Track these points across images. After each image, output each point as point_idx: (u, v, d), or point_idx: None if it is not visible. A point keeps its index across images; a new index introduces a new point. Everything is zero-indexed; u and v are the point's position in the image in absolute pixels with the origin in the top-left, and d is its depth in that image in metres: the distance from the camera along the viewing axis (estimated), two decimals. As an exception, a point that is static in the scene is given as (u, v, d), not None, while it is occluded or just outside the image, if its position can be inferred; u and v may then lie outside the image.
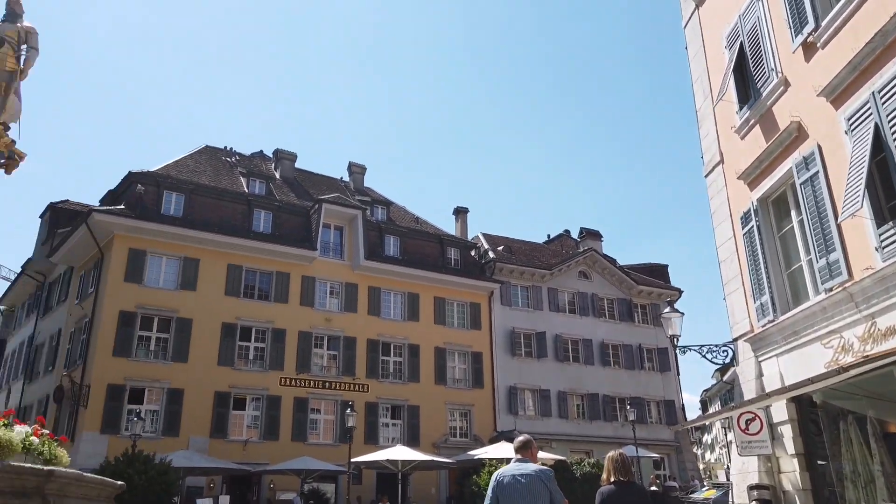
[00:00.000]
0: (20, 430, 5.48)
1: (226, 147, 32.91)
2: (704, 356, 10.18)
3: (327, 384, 27.08)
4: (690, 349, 10.45)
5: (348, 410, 20.50)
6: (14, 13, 6.94)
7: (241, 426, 25.24)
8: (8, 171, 6.59)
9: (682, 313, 11.04)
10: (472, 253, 33.86)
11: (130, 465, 18.16)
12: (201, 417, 24.22)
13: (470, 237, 36.18)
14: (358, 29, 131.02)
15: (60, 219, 28.97)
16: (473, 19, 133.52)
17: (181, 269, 25.61)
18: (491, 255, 33.37)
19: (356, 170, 35.62)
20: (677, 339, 10.87)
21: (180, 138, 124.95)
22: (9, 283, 34.53)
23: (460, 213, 37.37)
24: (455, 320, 31.05)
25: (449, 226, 36.36)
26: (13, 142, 6.52)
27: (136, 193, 25.63)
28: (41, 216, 31.23)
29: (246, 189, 29.54)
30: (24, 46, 6.84)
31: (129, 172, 26.30)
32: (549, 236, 40.16)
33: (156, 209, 25.89)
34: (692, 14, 12.09)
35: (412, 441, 26.64)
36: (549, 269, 33.53)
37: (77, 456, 21.05)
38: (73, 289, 27.72)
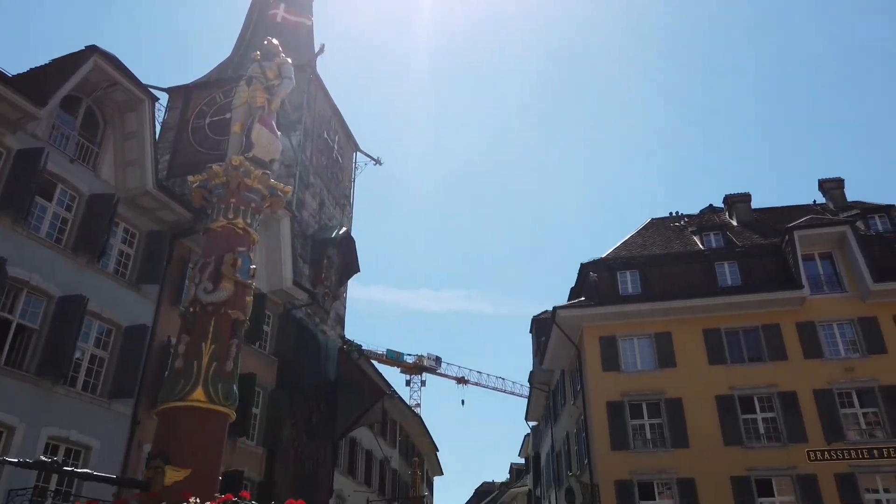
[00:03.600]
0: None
1: (671, 213, 31.06)
2: None
3: (875, 452, 20.62)
4: None
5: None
6: (270, 53, 7.10)
7: (775, 517, 20.76)
8: (273, 209, 6.49)
9: None
10: None
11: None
12: (724, 510, 20.81)
13: None
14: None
15: (542, 328, 30.86)
16: None
17: (654, 346, 23.82)
18: None
19: (830, 185, 29.12)
20: None
21: (627, 221, 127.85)
22: (526, 400, 38.00)
23: None
24: None
25: None
26: (266, 175, 6.35)
27: (591, 282, 25.54)
28: (530, 331, 33.99)
29: (701, 246, 26.73)
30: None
31: (581, 265, 26.59)
32: None
33: (614, 292, 25.22)
34: None
35: None
36: None
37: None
38: (568, 390, 28.50)
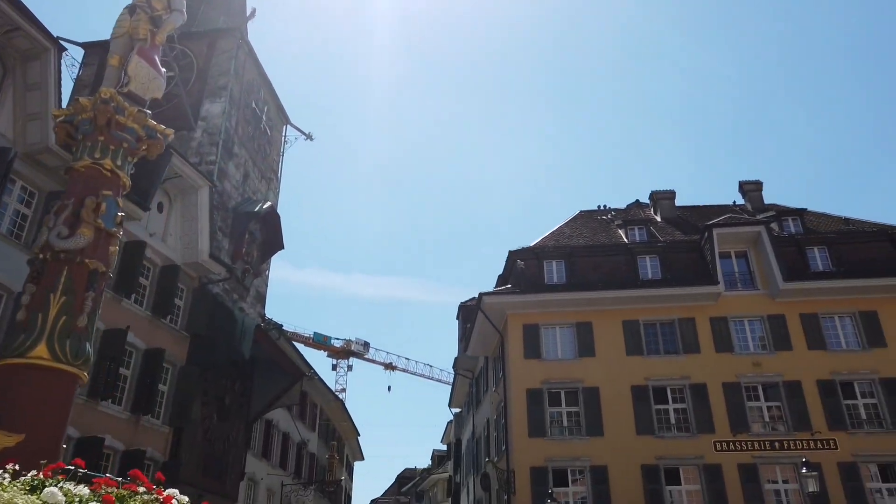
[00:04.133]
0: None
1: (599, 206, 31.54)
2: None
3: (776, 444, 21.53)
4: None
5: (804, 470, 15.21)
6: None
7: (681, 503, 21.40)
8: (151, 154, 5.93)
9: None
10: (945, 243, 24.63)
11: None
12: (633, 498, 21.28)
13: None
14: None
15: (469, 315, 30.78)
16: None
17: (576, 335, 24.10)
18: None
19: (750, 188, 30.20)
20: None
21: (559, 213, 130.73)
22: (450, 387, 37.99)
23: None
24: (946, 337, 22.32)
25: (898, 219, 27.59)
26: (144, 114, 5.78)
27: (518, 270, 25.60)
28: (457, 317, 33.90)
29: (626, 239, 27.21)
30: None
31: (509, 252, 26.62)
32: None
33: (540, 281, 25.36)
34: None
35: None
36: None
37: (515, 545, 20.21)
38: (490, 377, 28.57)
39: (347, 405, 48.83)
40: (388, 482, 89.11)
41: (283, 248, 25.67)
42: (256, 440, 25.10)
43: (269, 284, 26.78)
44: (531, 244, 27.25)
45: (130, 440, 16.91)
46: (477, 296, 24.95)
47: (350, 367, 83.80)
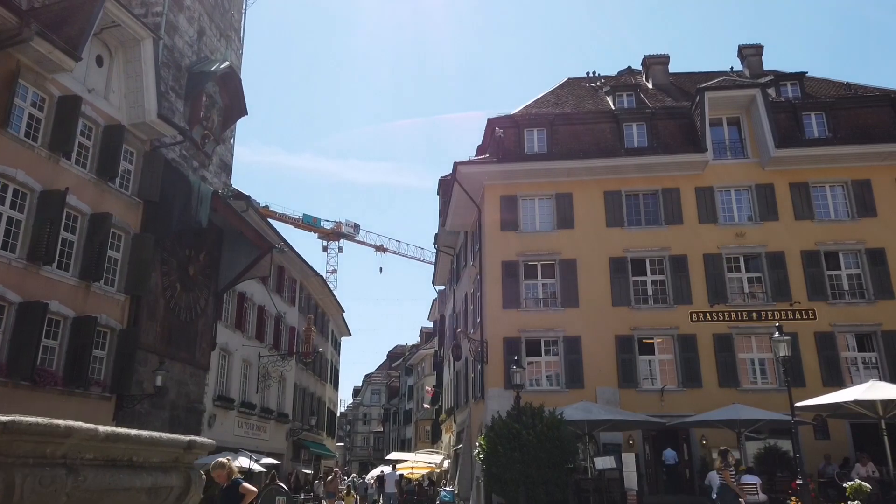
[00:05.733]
0: None
1: (588, 73, 29.59)
2: None
3: (754, 314, 21.11)
4: None
5: (776, 335, 14.64)
6: None
7: (653, 373, 21.29)
8: None
9: None
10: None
11: (518, 419, 16.10)
12: (605, 366, 21.13)
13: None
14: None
15: (448, 190, 29.64)
16: None
17: (555, 207, 23.10)
18: None
19: (749, 52, 28.09)
20: None
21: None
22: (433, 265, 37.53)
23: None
24: (940, 207, 21.35)
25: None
26: None
27: (497, 139, 24.18)
28: (437, 193, 32.77)
29: (613, 106, 25.58)
30: None
31: (488, 120, 25.11)
32: None
33: (520, 150, 24.02)
34: None
35: (898, 378, 18.78)
36: None
37: (486, 414, 20.23)
38: (469, 252, 27.89)
39: (340, 286, 48.60)
40: (381, 358, 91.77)
41: (246, 113, 24.08)
42: (229, 312, 24.71)
43: (234, 156, 25.41)
44: (511, 112, 25.64)
45: (81, 307, 16.24)
46: (452, 166, 23.68)
47: (341, 249, 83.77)
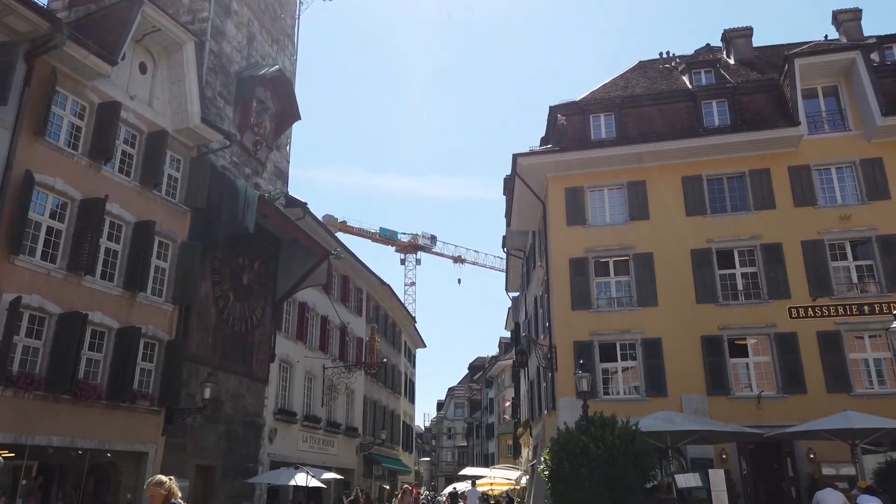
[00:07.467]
0: None
1: (662, 54, 27.32)
2: None
3: (866, 308, 18.29)
4: None
5: (894, 325, 12.19)
6: None
7: (747, 377, 18.82)
8: None
9: None
10: None
11: (586, 431, 14.26)
12: (690, 371, 18.86)
13: None
14: None
15: (511, 186, 28.07)
16: None
17: (626, 197, 21.09)
18: None
19: (846, 17, 25.05)
20: None
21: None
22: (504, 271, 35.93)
23: None
24: None
25: None
26: None
27: (559, 127, 22.45)
28: (503, 193, 31.25)
29: (689, 85, 23.31)
30: None
31: (550, 108, 23.41)
32: None
33: (585, 138, 22.17)
34: None
35: None
36: None
37: (557, 426, 18.41)
38: (537, 253, 26.17)
39: (419, 299, 47.99)
40: (464, 371, 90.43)
41: (299, 118, 23.47)
42: (289, 322, 24.03)
43: (288, 163, 24.87)
44: (576, 99, 23.84)
45: (126, 318, 15.77)
46: (511, 159, 22.10)
47: (419, 262, 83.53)
